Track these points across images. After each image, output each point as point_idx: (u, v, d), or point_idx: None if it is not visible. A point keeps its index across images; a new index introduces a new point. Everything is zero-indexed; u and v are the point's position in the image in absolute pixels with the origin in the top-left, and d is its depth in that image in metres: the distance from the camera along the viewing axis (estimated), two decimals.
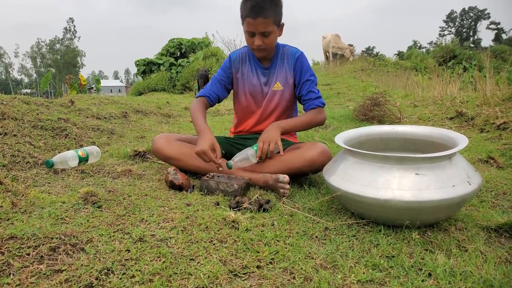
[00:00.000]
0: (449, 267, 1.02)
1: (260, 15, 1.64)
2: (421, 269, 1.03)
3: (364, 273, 1.01)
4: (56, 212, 1.28)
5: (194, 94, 10.19)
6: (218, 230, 1.22)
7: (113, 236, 1.15)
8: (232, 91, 2.04)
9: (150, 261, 1.02)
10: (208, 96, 1.93)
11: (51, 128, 2.40)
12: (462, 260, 1.07)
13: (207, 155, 1.59)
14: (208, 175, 1.66)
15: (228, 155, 1.94)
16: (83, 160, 1.88)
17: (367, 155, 1.27)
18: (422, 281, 0.97)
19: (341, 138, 1.49)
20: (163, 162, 2.07)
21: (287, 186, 1.58)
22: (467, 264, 1.04)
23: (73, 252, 1.04)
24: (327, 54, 16.47)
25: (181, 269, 0.99)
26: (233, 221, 1.27)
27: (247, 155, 1.68)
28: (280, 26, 1.78)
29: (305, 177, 1.84)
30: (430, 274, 1.00)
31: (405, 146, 1.58)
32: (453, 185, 1.18)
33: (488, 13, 65.73)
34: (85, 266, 0.97)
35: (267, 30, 1.69)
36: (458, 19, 68.50)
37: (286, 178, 1.59)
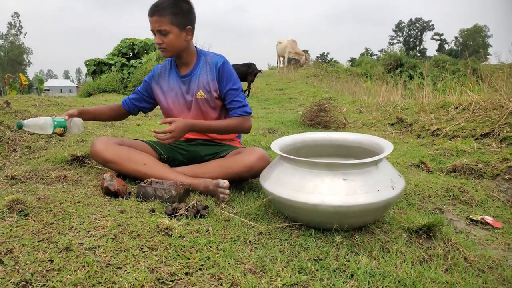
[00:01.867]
0: (370, 268, 1.08)
1: (155, 14, 1.73)
2: (344, 271, 1.08)
3: (290, 276, 1.04)
4: None
5: None
6: (150, 238, 1.21)
7: (37, 245, 1.10)
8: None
9: (74, 271, 0.99)
10: (124, 101, 2.08)
11: None
12: (384, 261, 1.14)
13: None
14: (146, 181, 1.63)
15: (170, 159, 1.92)
16: (61, 126, 1.77)
17: (298, 161, 1.31)
18: (344, 282, 1.02)
19: (277, 144, 1.53)
20: (103, 167, 2.01)
21: (227, 191, 1.60)
22: (387, 265, 1.11)
23: None
24: (281, 59, 16.70)
25: (105, 278, 0.97)
26: (167, 228, 1.26)
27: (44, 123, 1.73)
28: (186, 30, 1.80)
29: (246, 182, 1.87)
30: (352, 275, 1.06)
31: (339, 152, 1.65)
32: (378, 190, 1.25)
33: (433, 25, 69.76)
34: (0, 279, 0.92)
35: (163, 28, 1.74)
36: (406, 29, 72.14)
37: (226, 183, 1.60)
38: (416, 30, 70.96)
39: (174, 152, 1.95)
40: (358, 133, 1.65)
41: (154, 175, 1.72)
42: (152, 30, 1.78)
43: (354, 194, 1.22)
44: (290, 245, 1.23)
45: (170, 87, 1.95)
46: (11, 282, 0.92)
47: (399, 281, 1.03)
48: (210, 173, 1.75)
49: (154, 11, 1.74)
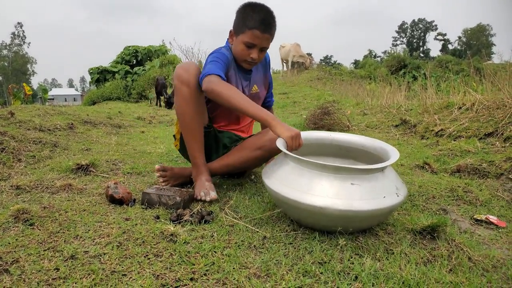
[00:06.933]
0: (374, 270, 1.08)
1: (268, 31, 1.67)
2: (349, 273, 1.07)
3: (295, 279, 1.04)
4: None
5: (150, 102, 10.08)
6: (155, 244, 1.22)
7: (43, 254, 1.11)
8: None
9: (80, 279, 0.99)
10: (222, 76, 1.62)
11: None
12: (388, 262, 1.13)
13: (300, 139, 1.47)
14: (149, 188, 1.64)
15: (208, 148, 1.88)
16: None
17: (307, 162, 1.30)
18: (348, 284, 1.01)
19: (282, 142, 1.52)
20: (107, 175, 2.02)
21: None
22: (392, 266, 1.11)
23: None
24: (284, 63, 16.70)
25: (111, 286, 0.97)
26: (172, 235, 1.27)
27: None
28: None
29: (250, 185, 1.87)
30: (356, 277, 1.05)
31: (340, 152, 1.65)
32: (384, 196, 1.23)
33: (436, 25, 69.68)
34: None
35: (267, 46, 1.75)
36: (409, 30, 72.12)
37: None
38: (419, 31, 70.93)
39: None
40: (362, 136, 1.65)
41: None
42: (252, 44, 1.69)
43: (360, 200, 1.20)
44: (295, 248, 1.23)
45: (233, 80, 1.87)
46: None
47: (403, 282, 1.02)
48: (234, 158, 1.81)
49: (267, 29, 1.66)
